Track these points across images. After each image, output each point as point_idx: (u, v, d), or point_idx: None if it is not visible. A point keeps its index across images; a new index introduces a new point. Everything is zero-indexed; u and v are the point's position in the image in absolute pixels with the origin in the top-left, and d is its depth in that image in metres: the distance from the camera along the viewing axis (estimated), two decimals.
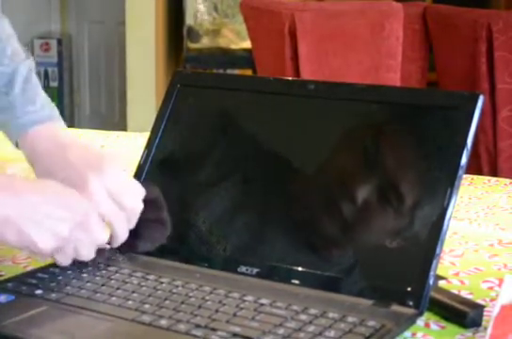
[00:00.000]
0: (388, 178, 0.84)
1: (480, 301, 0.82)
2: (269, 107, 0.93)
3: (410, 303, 0.77)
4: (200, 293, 0.80)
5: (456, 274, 0.92)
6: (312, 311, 0.76)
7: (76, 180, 0.84)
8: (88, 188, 0.85)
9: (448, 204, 0.79)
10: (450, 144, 0.81)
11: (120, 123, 4.50)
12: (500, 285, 0.87)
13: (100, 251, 0.86)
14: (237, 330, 0.72)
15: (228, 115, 0.95)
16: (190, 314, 0.75)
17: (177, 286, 0.82)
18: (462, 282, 0.90)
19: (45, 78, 4.68)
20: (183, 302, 0.78)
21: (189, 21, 4.27)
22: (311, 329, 0.72)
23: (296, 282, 0.83)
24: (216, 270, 0.86)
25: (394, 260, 0.82)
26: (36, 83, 1.02)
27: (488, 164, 2.74)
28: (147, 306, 0.77)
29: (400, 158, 0.84)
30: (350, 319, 0.74)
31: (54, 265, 0.87)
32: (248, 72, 4.04)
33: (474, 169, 2.60)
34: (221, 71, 4.17)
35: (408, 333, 0.76)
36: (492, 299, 0.84)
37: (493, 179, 1.36)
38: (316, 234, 0.87)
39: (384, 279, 0.80)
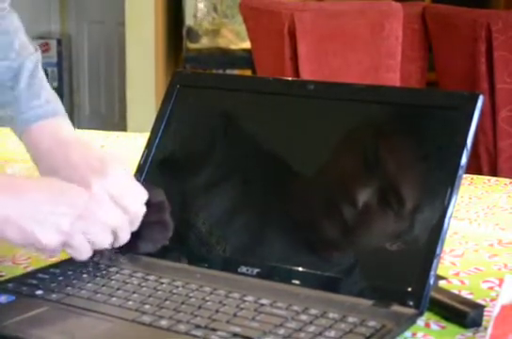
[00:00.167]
0: (388, 178, 0.84)
1: (480, 301, 0.82)
2: (269, 108, 0.93)
3: (411, 303, 0.77)
4: (200, 293, 0.80)
5: (457, 274, 0.92)
6: (313, 311, 0.76)
7: (78, 182, 0.84)
8: (90, 192, 0.85)
9: (448, 204, 0.79)
10: (450, 144, 0.81)
11: (119, 124, 4.50)
12: (500, 285, 0.87)
13: (101, 252, 0.86)
14: (237, 330, 0.72)
15: (227, 115, 0.95)
16: (190, 314, 0.75)
17: (177, 287, 0.81)
18: (462, 282, 0.90)
19: None
20: (183, 303, 0.78)
21: (189, 21, 4.27)
22: (311, 329, 0.72)
23: (297, 282, 0.83)
24: (216, 271, 0.86)
25: (394, 260, 0.82)
26: (42, 77, 1.02)
27: (487, 164, 2.74)
28: (147, 306, 0.77)
29: (400, 158, 0.84)
30: (350, 319, 0.74)
31: (54, 265, 0.87)
32: (248, 73, 4.04)
33: (474, 169, 2.60)
34: (221, 71, 4.17)
35: (408, 333, 0.76)
36: (492, 299, 0.84)
37: (493, 179, 1.36)
38: (316, 234, 0.87)
39: (384, 279, 0.80)
